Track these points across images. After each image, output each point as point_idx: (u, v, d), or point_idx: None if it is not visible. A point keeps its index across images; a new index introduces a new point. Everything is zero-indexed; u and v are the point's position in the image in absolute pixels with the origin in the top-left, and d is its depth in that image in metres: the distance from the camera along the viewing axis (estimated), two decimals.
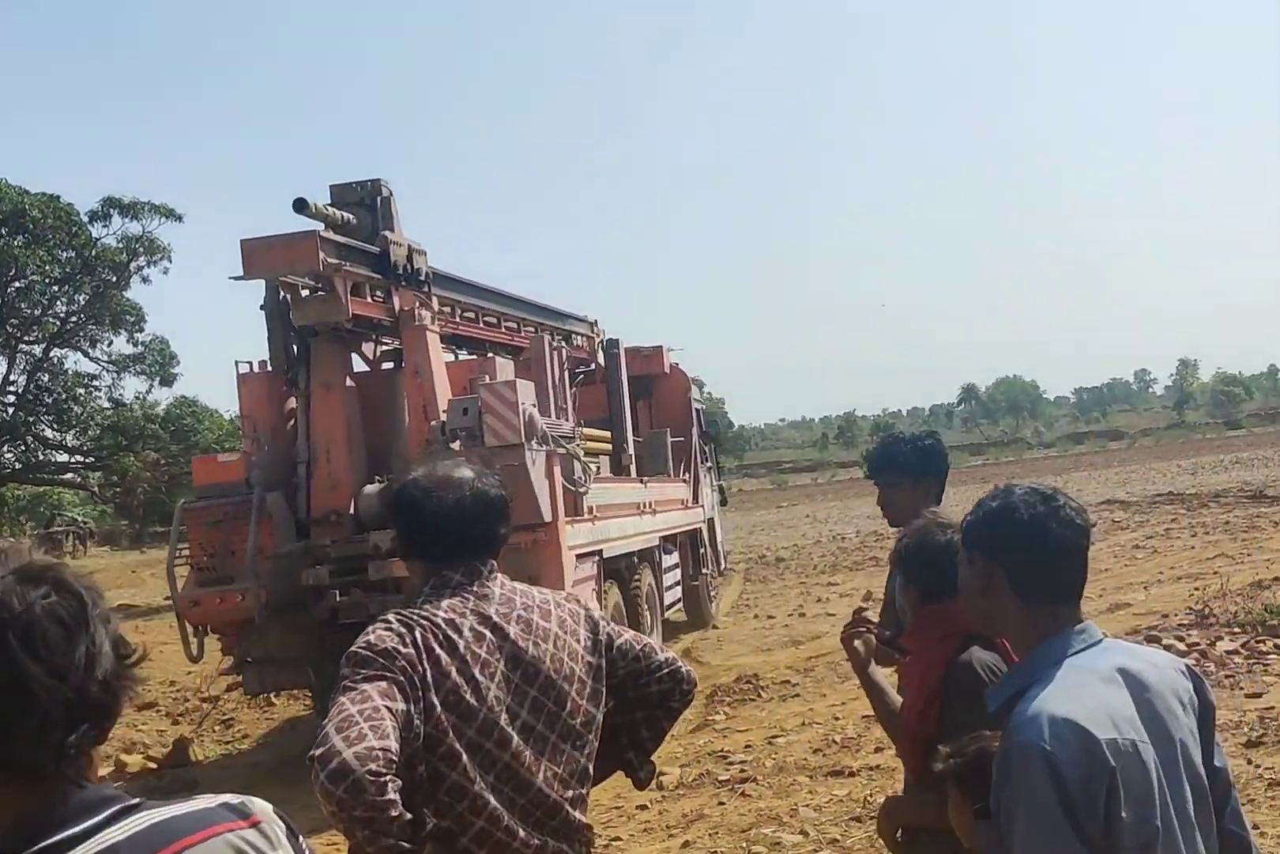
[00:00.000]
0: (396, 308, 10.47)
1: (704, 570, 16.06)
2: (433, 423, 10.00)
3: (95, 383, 38.04)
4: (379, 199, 10.51)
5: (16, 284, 35.18)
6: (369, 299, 10.18)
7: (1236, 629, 11.09)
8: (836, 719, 9.83)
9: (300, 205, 9.55)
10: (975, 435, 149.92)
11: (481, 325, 12.58)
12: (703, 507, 16.39)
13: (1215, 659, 10.15)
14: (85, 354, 38.07)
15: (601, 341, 16.20)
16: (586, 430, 13.96)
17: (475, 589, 2.75)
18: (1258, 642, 10.52)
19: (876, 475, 4.38)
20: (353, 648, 2.62)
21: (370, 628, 2.67)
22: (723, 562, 18.09)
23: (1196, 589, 13.82)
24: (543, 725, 2.72)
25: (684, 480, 15.62)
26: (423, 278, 10.79)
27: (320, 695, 10.13)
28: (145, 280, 36.57)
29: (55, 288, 36.21)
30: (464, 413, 9.80)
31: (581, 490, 10.79)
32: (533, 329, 14.09)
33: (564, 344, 12.49)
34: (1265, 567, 15.68)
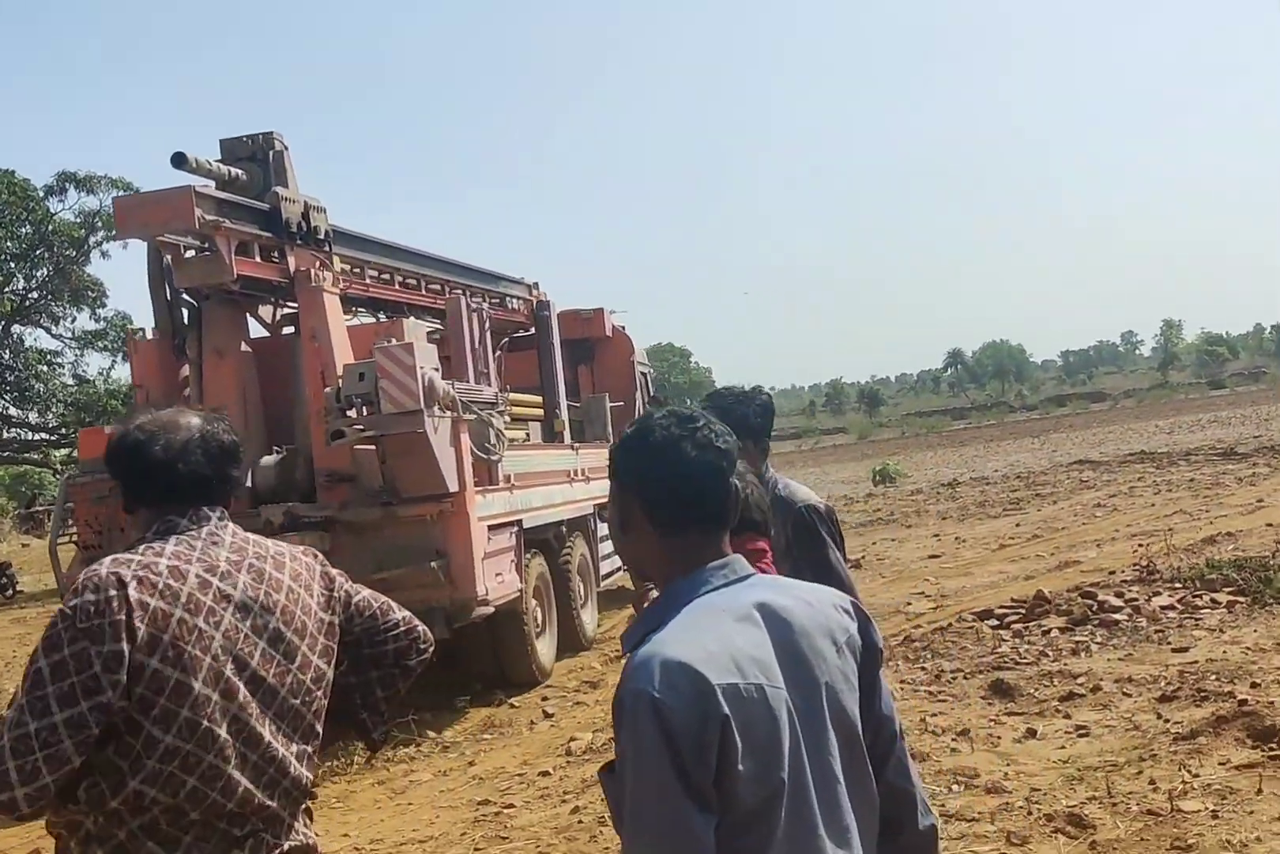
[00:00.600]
0: (291, 268, 9.90)
1: None
2: (326, 390, 9.47)
3: (58, 360, 37.53)
4: (271, 153, 9.94)
5: None
6: (257, 259, 9.60)
7: (1177, 585, 10.81)
8: None
9: (179, 160, 8.99)
10: (961, 400, 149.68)
11: (398, 287, 12.01)
12: None
13: (1148, 614, 9.90)
14: (47, 331, 37.56)
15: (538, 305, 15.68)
16: (517, 396, 13.48)
17: (204, 536, 2.65)
18: (1194, 596, 10.25)
19: None
20: (58, 615, 2.48)
21: (80, 583, 2.51)
22: None
23: (1141, 545, 13.48)
24: (273, 678, 2.62)
25: None
26: (321, 236, 10.23)
27: None
28: (105, 255, 36.12)
29: (13, 264, 35.65)
30: (359, 378, 9.28)
31: (494, 458, 10.27)
32: (459, 290, 13.55)
33: (484, 306, 11.90)
34: (1221, 522, 15.31)
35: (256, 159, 9.91)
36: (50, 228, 34.35)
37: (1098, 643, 9.22)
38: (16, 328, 36.89)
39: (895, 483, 34.04)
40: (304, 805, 2.76)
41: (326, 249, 10.33)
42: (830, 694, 2.07)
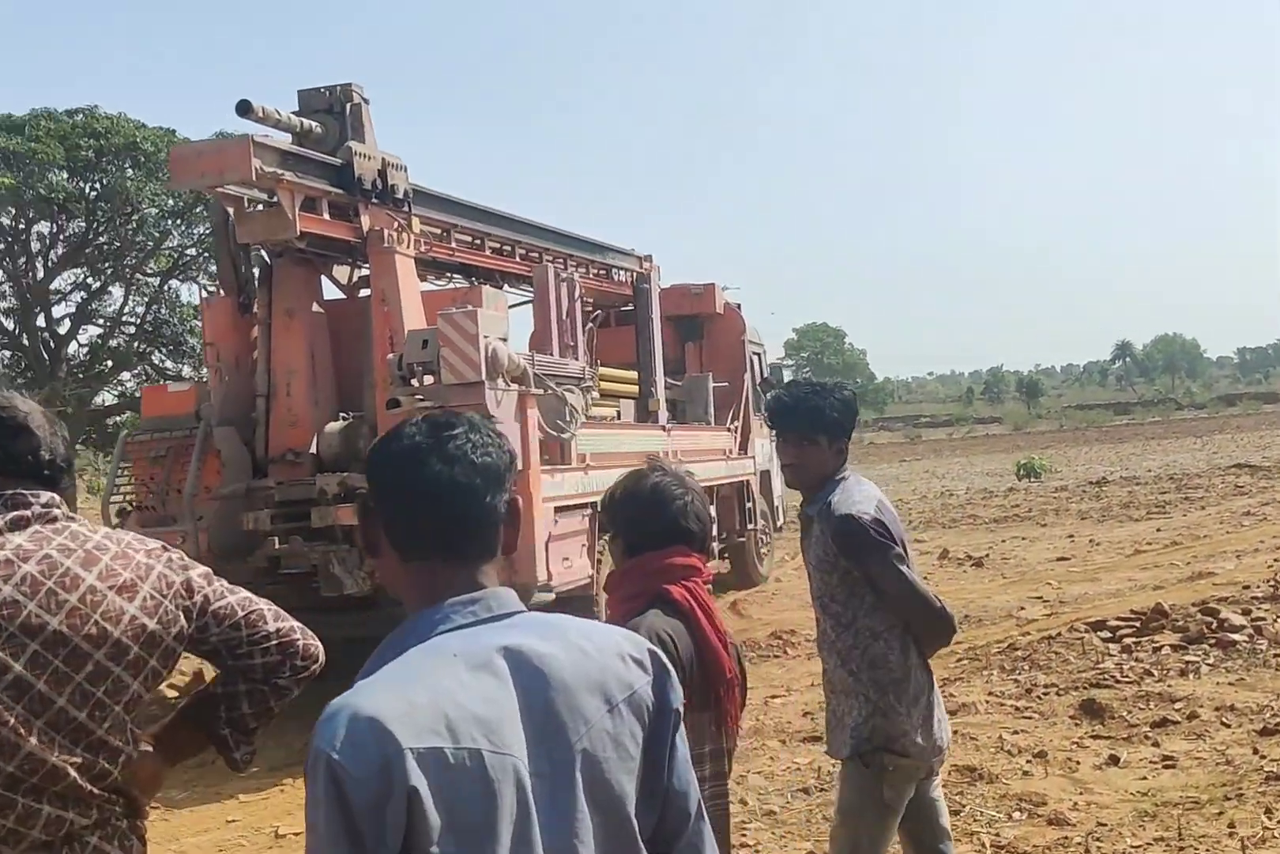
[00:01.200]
0: (365, 228, 9.46)
1: (750, 526, 14.89)
2: (389, 356, 9.02)
3: None
4: (349, 106, 9.49)
5: (133, 217, 35.19)
6: (326, 216, 9.17)
7: None
8: None
9: (244, 108, 8.59)
10: (1128, 394, 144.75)
11: (489, 253, 11.52)
12: (754, 458, 15.18)
13: (1271, 636, 9.05)
14: (203, 287, 38.16)
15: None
16: (611, 371, 12.95)
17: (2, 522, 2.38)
18: None
19: (791, 429, 3.91)
20: None
21: None
22: (779, 517, 16.86)
23: None
24: (45, 685, 2.33)
25: (729, 429, 14.43)
26: (400, 196, 9.76)
27: None
28: None
29: (169, 220, 36.17)
30: (423, 346, 8.82)
31: (565, 436, 9.72)
32: (559, 260, 13.01)
33: (574, 275, 11.33)
34: None
35: (333, 111, 9.48)
36: None
37: (1209, 664, 8.54)
38: (173, 283, 37.54)
39: (1040, 478, 32.71)
40: (114, 822, 2.47)
41: (406, 209, 9.87)
42: (588, 763, 1.70)
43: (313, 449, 9.45)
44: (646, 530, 2.91)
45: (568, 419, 9.78)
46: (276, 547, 8.70)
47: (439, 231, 10.81)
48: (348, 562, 8.74)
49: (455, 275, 11.70)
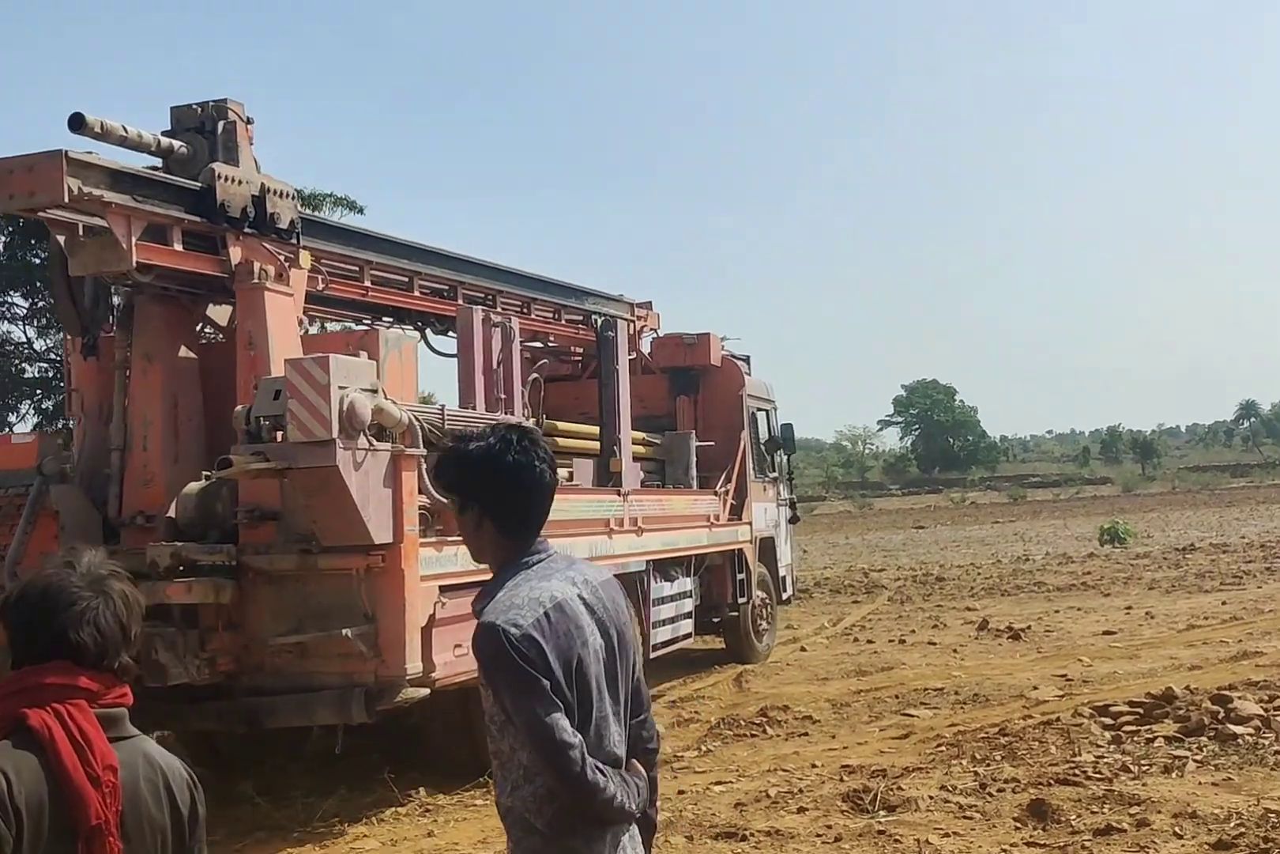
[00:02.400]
0: (234, 261, 8.31)
1: (742, 599, 13.42)
2: (236, 409, 7.81)
3: None
4: (221, 124, 8.38)
5: None
6: (177, 247, 8.02)
7: None
8: (813, 766, 8.64)
9: (77, 122, 7.52)
10: (1254, 455, 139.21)
11: (419, 294, 10.33)
12: (749, 525, 13.72)
13: (1278, 730, 8.33)
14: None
15: (642, 327, 13.87)
16: (574, 427, 11.71)
17: None
18: None
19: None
20: None
21: None
22: (787, 588, 15.37)
23: None
24: None
25: (716, 493, 13.01)
26: (283, 226, 8.60)
27: None
28: None
29: None
30: (274, 396, 7.60)
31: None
32: (522, 305, 11.79)
33: (510, 321, 10.06)
34: None
35: (204, 130, 8.38)
36: None
37: (1198, 761, 7.84)
38: None
39: (1124, 543, 30.90)
40: None
41: (293, 242, 8.70)
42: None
43: (171, 512, 8.26)
44: (31, 639, 2.37)
45: None
46: None
47: (354, 269, 9.65)
48: (179, 647, 7.52)
49: (386, 319, 10.55)
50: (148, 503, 8.39)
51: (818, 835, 6.92)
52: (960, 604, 19.91)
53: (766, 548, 14.40)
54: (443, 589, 8.19)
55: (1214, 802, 6.89)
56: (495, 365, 9.82)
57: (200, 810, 2.48)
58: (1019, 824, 6.86)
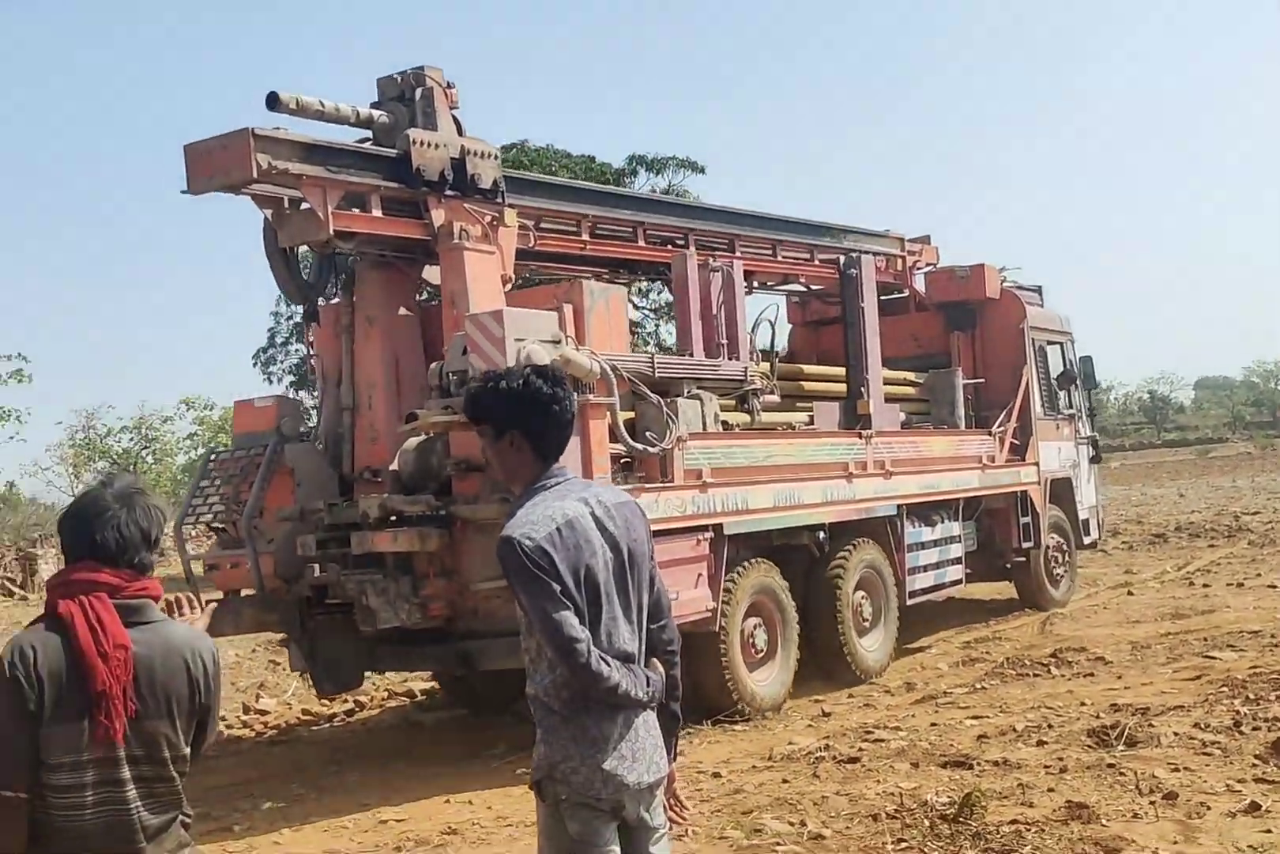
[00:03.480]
0: (436, 223, 8.63)
1: (1027, 544, 12.81)
2: (432, 366, 8.16)
3: (638, 328, 38.27)
4: (419, 91, 8.70)
5: None
6: (377, 213, 8.40)
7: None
8: (1081, 705, 8.40)
9: (273, 101, 8.01)
10: None
11: (643, 244, 10.38)
12: (1037, 465, 13.03)
13: None
14: (633, 303, 38.48)
15: (915, 262, 13.42)
16: (820, 369, 11.56)
17: None
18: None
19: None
20: None
21: None
22: (1092, 531, 14.49)
23: None
24: None
25: (990, 433, 12.43)
26: (485, 186, 8.84)
27: (317, 681, 8.69)
28: None
29: None
30: (463, 352, 7.91)
31: (652, 451, 8.46)
32: (767, 248, 11.66)
33: (730, 266, 9.97)
34: None
35: (404, 99, 8.72)
36: None
37: None
38: None
39: None
40: None
41: (498, 201, 8.94)
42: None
43: (394, 466, 8.73)
44: (71, 542, 3.00)
45: (667, 429, 8.52)
46: (315, 574, 8.03)
47: (572, 224, 9.83)
48: (389, 592, 7.94)
49: (618, 271, 10.73)
50: (374, 459, 8.89)
51: (1045, 767, 6.80)
52: None
53: (1062, 490, 13.64)
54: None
55: None
56: (715, 311, 9.76)
57: (212, 681, 3.01)
58: (1257, 761, 6.52)
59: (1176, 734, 7.16)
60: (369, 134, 8.82)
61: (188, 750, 2.98)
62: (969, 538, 12.18)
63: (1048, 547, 13.09)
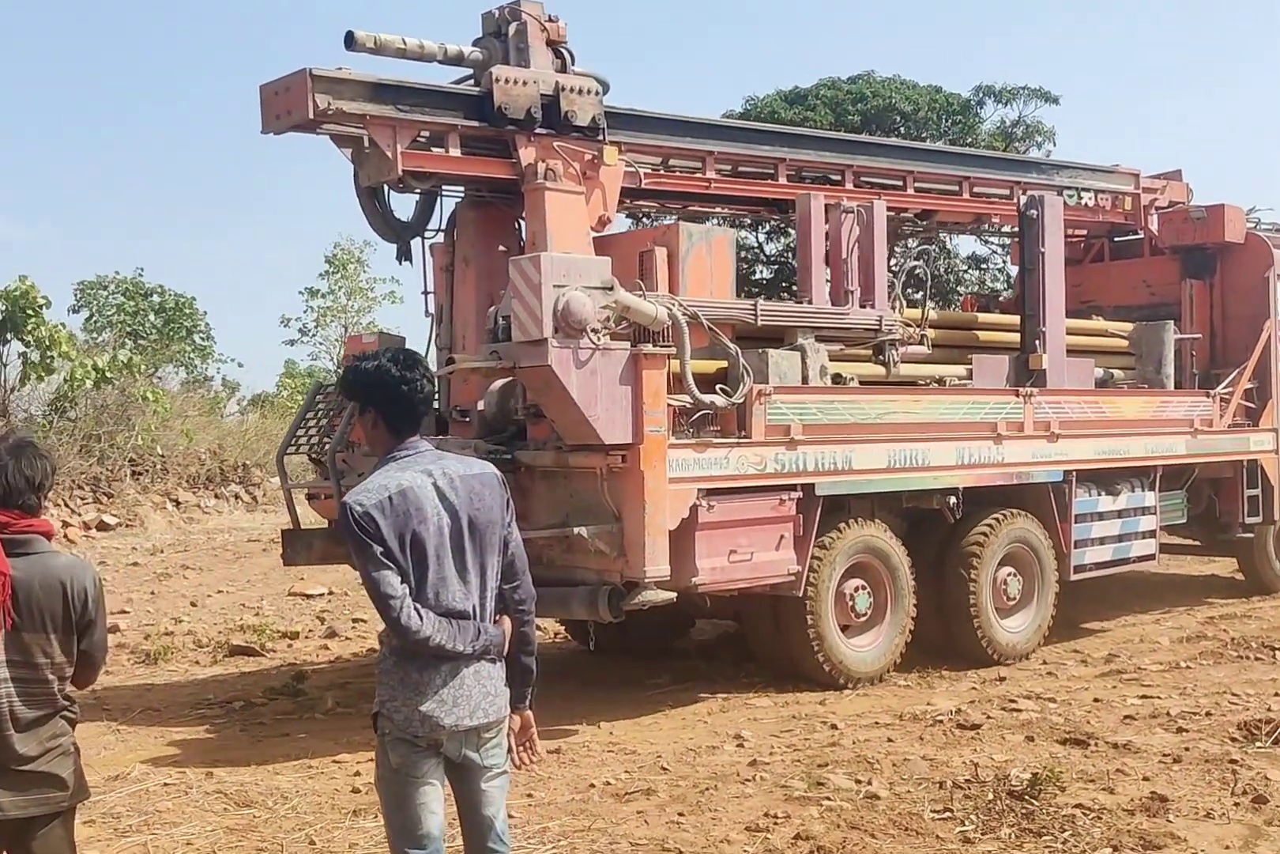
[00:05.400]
0: (523, 162, 8.40)
1: (1254, 519, 11.40)
2: (490, 309, 8.00)
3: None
4: (513, 26, 8.44)
5: None
6: (455, 152, 8.24)
7: None
8: (1276, 695, 8.06)
9: (350, 40, 7.98)
10: None
11: (783, 182, 9.75)
12: (1275, 432, 11.52)
13: None
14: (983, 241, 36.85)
15: (1155, 201, 12.12)
16: (992, 318, 10.71)
17: None
18: None
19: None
20: None
21: None
22: None
23: None
24: None
25: (1206, 394, 11.05)
26: (581, 123, 8.51)
27: None
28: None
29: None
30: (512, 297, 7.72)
31: (721, 405, 8.00)
32: (954, 186, 10.77)
33: (869, 207, 9.22)
34: None
35: (500, 35, 8.50)
36: (969, 141, 33.43)
37: None
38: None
39: None
40: None
41: (599, 138, 8.61)
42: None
43: (480, 407, 8.70)
44: None
45: (740, 382, 8.05)
46: None
47: (695, 162, 9.37)
48: None
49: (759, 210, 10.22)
50: (465, 399, 8.88)
51: (1163, 755, 6.58)
52: None
53: None
54: (711, 492, 7.88)
55: None
56: (845, 255, 9.09)
57: (91, 603, 3.52)
58: None
59: None
60: (470, 72, 8.68)
61: (64, 658, 3.48)
62: (1173, 509, 10.94)
63: (1276, 523, 11.63)
